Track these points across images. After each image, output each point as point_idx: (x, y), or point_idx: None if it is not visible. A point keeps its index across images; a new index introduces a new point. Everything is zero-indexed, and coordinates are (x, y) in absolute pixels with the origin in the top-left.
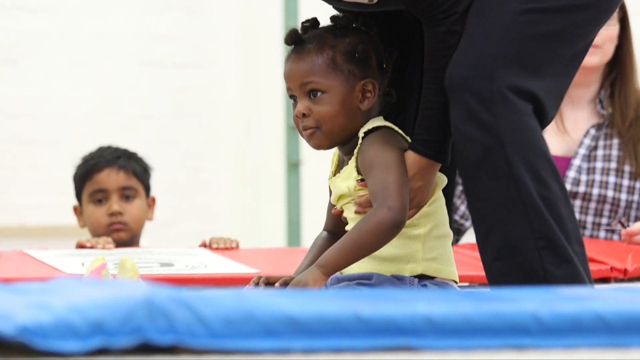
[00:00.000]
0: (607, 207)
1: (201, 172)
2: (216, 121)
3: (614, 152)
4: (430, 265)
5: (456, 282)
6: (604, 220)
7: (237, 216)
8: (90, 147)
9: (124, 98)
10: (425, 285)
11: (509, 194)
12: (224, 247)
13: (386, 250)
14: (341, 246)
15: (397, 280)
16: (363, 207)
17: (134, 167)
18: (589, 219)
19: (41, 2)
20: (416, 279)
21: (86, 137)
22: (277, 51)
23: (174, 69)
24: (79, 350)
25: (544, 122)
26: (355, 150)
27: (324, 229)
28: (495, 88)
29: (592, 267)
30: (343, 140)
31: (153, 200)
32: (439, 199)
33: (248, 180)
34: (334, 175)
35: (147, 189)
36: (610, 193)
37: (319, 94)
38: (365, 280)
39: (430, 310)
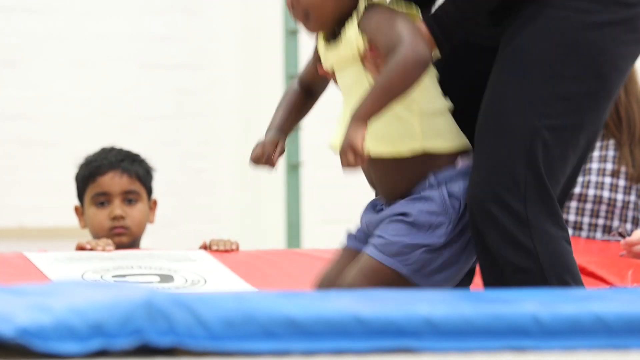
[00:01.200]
0: (604, 207)
1: (201, 173)
2: (216, 122)
3: (610, 153)
4: (432, 142)
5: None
6: (600, 221)
7: (237, 217)
8: (91, 148)
9: (124, 99)
10: (456, 198)
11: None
12: (224, 249)
13: (382, 128)
14: (372, 94)
15: (427, 200)
16: (375, 60)
17: (137, 170)
18: (585, 220)
19: (41, 3)
20: (444, 190)
21: (86, 139)
22: (277, 52)
23: (174, 70)
24: (78, 352)
25: None
26: (355, 16)
27: (298, 83)
28: (531, 212)
29: (592, 284)
30: (337, 20)
31: (155, 202)
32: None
33: (248, 182)
34: (326, 42)
35: (149, 191)
36: (606, 194)
37: None
38: (402, 217)
39: (429, 311)
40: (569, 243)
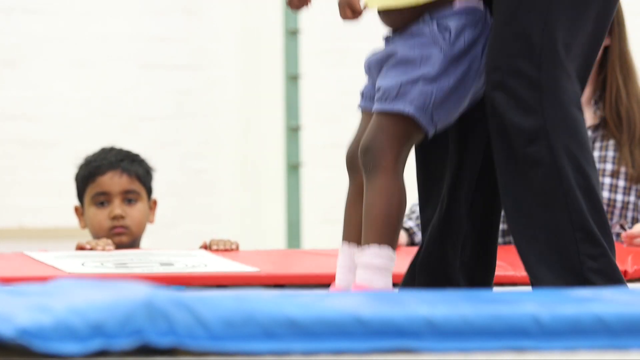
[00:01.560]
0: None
1: (201, 174)
2: (216, 122)
3: (610, 154)
4: None
5: (477, 2)
6: None
7: (237, 217)
8: (91, 148)
9: (123, 100)
10: (446, 28)
11: (551, 183)
12: (224, 248)
13: None
14: None
15: (417, 35)
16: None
17: (137, 170)
18: None
19: (41, 4)
20: (434, 23)
21: (86, 139)
22: (277, 52)
23: (174, 70)
24: (78, 352)
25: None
26: None
27: None
28: (544, 76)
29: None
30: None
31: (155, 202)
32: None
33: (248, 182)
34: None
35: (149, 191)
36: (606, 194)
37: None
38: (393, 57)
39: (430, 312)
40: (582, 111)
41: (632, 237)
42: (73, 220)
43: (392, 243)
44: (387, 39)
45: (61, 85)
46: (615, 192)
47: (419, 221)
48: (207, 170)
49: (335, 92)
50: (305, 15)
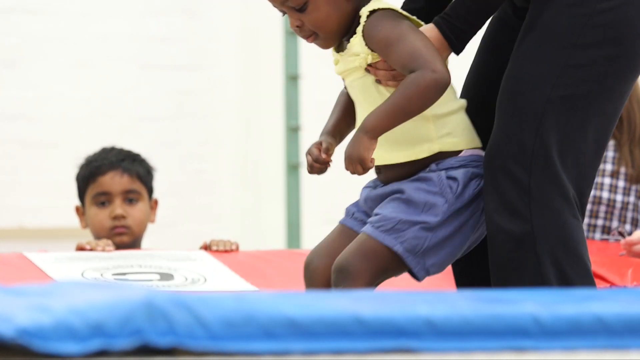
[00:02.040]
0: (603, 208)
1: (201, 174)
2: (216, 123)
3: (610, 154)
4: (445, 140)
5: (482, 151)
6: (599, 222)
7: (237, 217)
8: (91, 149)
9: (124, 100)
10: (454, 179)
11: (533, 286)
12: (223, 249)
13: (400, 135)
14: (387, 109)
15: (425, 180)
16: (388, 78)
17: (138, 169)
18: (584, 220)
19: (42, 4)
20: (443, 173)
21: (86, 139)
22: (277, 53)
23: (174, 71)
24: (78, 352)
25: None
26: (359, 29)
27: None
28: (534, 180)
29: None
30: (345, 32)
31: (155, 202)
32: None
33: (248, 182)
34: (336, 51)
35: (150, 191)
36: (605, 194)
37: (304, 5)
38: (399, 194)
39: (430, 312)
40: (577, 218)
41: (631, 245)
42: (73, 221)
43: None
44: (394, 183)
45: (61, 86)
46: (615, 192)
47: None
48: (207, 170)
49: (335, 92)
50: None
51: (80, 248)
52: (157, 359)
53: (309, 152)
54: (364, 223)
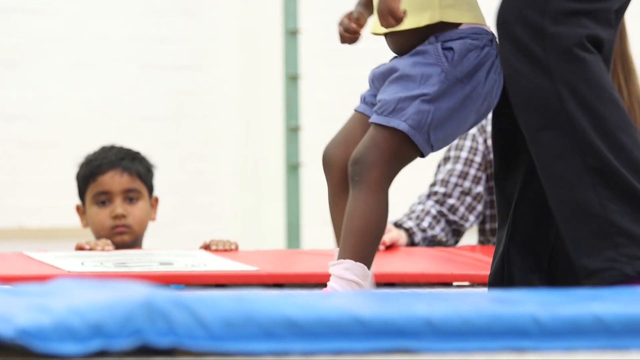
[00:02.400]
0: None
1: (201, 174)
2: (216, 123)
3: None
4: (448, 11)
5: (484, 25)
6: None
7: (237, 218)
8: (91, 149)
9: (124, 100)
10: (450, 49)
11: (561, 127)
12: (223, 249)
13: (405, 1)
14: None
15: (421, 54)
16: None
17: (138, 168)
18: None
19: (42, 4)
20: (439, 45)
21: (86, 140)
22: (277, 53)
23: (174, 71)
24: (78, 352)
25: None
26: None
27: None
28: (547, 21)
29: None
30: None
31: (156, 200)
32: None
33: (248, 182)
34: None
35: (150, 189)
36: None
37: None
38: (396, 73)
39: (429, 312)
40: (592, 53)
41: None
42: (73, 221)
43: (368, 261)
44: (394, 59)
45: (61, 86)
46: None
47: (418, 221)
48: (207, 170)
49: (335, 92)
50: (305, 16)
51: (80, 248)
52: (156, 359)
53: (340, 23)
54: (373, 103)
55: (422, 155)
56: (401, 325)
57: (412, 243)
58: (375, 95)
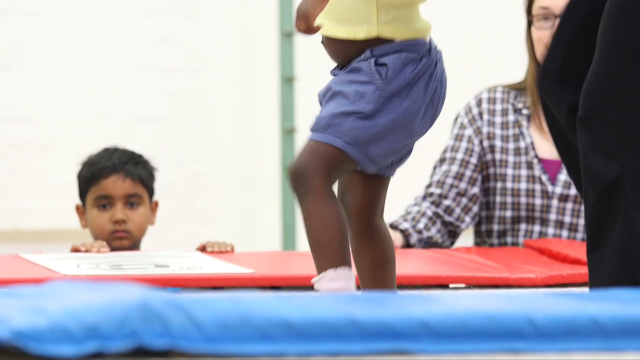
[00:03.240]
0: None
1: (198, 176)
2: (213, 125)
3: None
4: (386, 27)
5: (422, 37)
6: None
7: (234, 219)
8: (87, 150)
9: (120, 102)
10: (383, 65)
11: (621, 233)
12: (218, 250)
13: (343, 12)
14: None
15: (356, 72)
16: None
17: (141, 173)
18: (581, 221)
19: (38, 5)
20: (372, 61)
21: (83, 141)
22: (273, 55)
23: (171, 72)
24: (74, 354)
25: None
26: None
27: None
28: (629, 120)
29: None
30: None
31: (156, 204)
32: None
33: (244, 184)
34: None
35: (151, 193)
36: None
37: None
38: (331, 91)
39: (425, 313)
40: None
41: None
42: (69, 223)
43: (346, 261)
44: (334, 74)
45: (58, 87)
46: None
47: (414, 222)
48: (204, 172)
49: None
50: None
51: (75, 250)
52: None
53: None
54: None
55: (368, 171)
56: (397, 327)
57: (407, 245)
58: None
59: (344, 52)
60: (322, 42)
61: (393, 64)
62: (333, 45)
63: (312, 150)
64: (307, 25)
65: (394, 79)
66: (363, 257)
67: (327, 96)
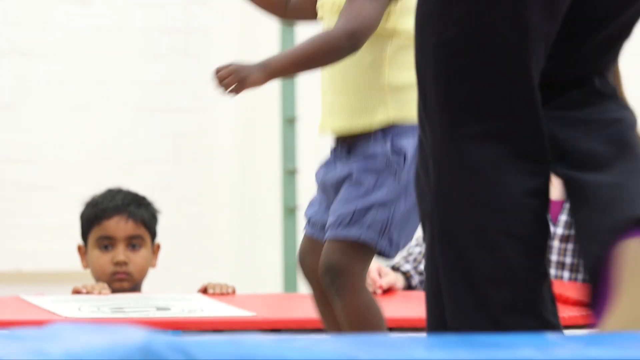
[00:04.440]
0: (570, 246)
1: (198, 217)
2: (213, 166)
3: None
4: (399, 111)
5: None
6: (568, 260)
7: (234, 261)
8: (87, 192)
9: (121, 143)
10: (399, 154)
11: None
12: (220, 292)
13: (352, 103)
14: (291, 54)
15: (371, 159)
16: None
17: (143, 215)
18: (568, 260)
19: (38, 47)
20: (388, 146)
21: (83, 182)
22: (274, 95)
23: (171, 113)
24: None
25: None
26: None
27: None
28: None
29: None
30: None
31: (158, 246)
32: None
33: (245, 225)
34: None
35: (153, 235)
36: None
37: None
38: (348, 182)
39: (427, 356)
40: None
41: None
42: (71, 264)
43: None
44: (335, 151)
45: (58, 129)
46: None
47: (415, 264)
48: (204, 213)
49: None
50: None
51: (77, 291)
52: None
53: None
54: (323, 224)
55: (390, 257)
56: None
57: (409, 286)
58: (327, 207)
59: (354, 139)
60: (336, 143)
61: (409, 151)
62: (346, 138)
63: (342, 248)
64: (236, 90)
65: (411, 166)
66: (328, 319)
67: (344, 186)
